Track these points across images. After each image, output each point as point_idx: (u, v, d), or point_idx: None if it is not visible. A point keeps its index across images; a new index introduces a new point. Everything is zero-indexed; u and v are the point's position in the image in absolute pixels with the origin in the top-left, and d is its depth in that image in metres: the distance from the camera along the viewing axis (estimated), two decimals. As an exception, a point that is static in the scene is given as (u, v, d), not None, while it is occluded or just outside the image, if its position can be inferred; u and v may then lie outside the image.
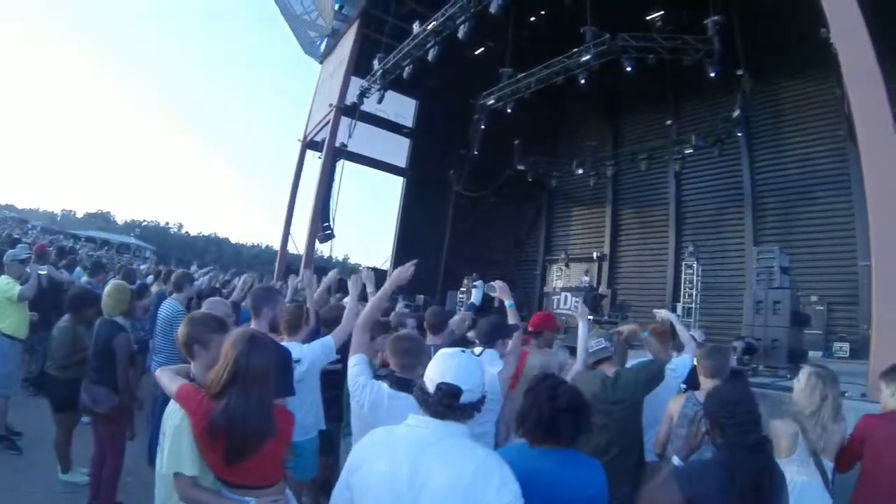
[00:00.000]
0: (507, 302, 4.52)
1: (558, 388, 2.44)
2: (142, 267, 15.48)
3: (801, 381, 3.67)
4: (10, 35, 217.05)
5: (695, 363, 4.24)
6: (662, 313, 5.36)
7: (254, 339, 2.51)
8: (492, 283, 4.78)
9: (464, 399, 2.03)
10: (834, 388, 3.57)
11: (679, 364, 4.47)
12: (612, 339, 4.21)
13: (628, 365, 4.49)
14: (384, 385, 3.04)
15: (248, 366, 2.40)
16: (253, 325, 3.91)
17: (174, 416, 2.43)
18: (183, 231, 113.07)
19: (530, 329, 5.30)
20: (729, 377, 3.99)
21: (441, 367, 2.09)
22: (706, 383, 3.89)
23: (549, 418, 2.35)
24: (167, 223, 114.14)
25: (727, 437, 2.58)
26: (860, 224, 13.99)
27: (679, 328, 4.97)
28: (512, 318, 4.32)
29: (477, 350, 3.89)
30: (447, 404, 2.02)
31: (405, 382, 3.04)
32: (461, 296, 19.02)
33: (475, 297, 17.75)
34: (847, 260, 14.85)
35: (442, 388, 2.03)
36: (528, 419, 2.39)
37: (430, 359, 2.23)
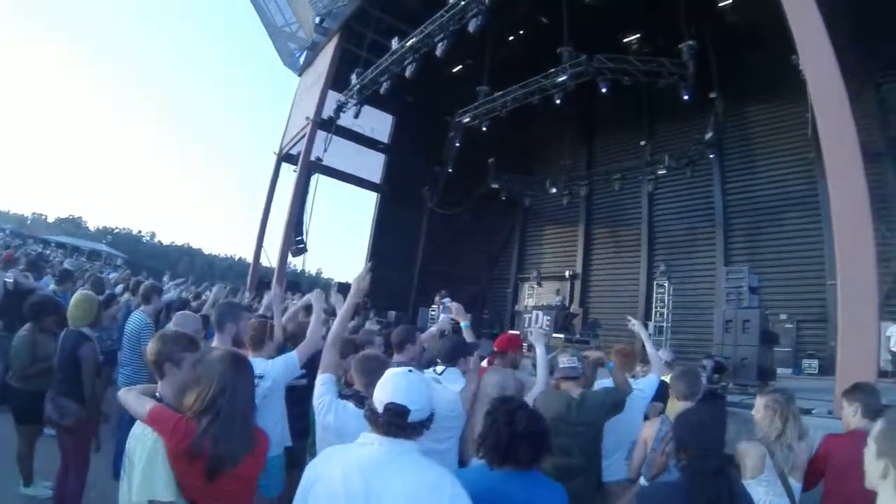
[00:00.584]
0: (463, 323, 4.54)
1: (517, 411, 2.44)
2: (112, 276, 15.23)
3: (759, 409, 3.73)
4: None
5: (667, 382, 4.28)
6: (634, 324, 5.42)
7: (238, 360, 2.54)
8: (448, 304, 4.78)
9: (412, 418, 2.05)
10: (793, 408, 3.64)
11: (646, 384, 4.54)
12: (583, 360, 4.23)
13: (595, 388, 4.54)
14: (349, 405, 3.02)
15: (234, 386, 2.40)
16: (216, 340, 3.93)
17: (145, 440, 2.36)
18: (155, 240, 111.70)
19: (495, 349, 5.23)
20: (705, 398, 4.03)
21: (389, 387, 2.12)
22: (678, 405, 3.90)
23: (507, 442, 2.35)
24: (140, 231, 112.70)
25: (690, 461, 2.59)
26: (828, 244, 14.19)
27: (647, 344, 5.01)
28: (468, 339, 4.34)
29: (439, 369, 3.97)
30: (396, 423, 2.05)
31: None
32: (433, 313, 18.92)
33: (444, 317, 17.52)
34: (816, 279, 15.15)
35: (390, 408, 2.05)
36: (487, 442, 2.39)
37: None
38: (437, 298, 19.02)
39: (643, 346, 5.12)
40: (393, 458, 2.03)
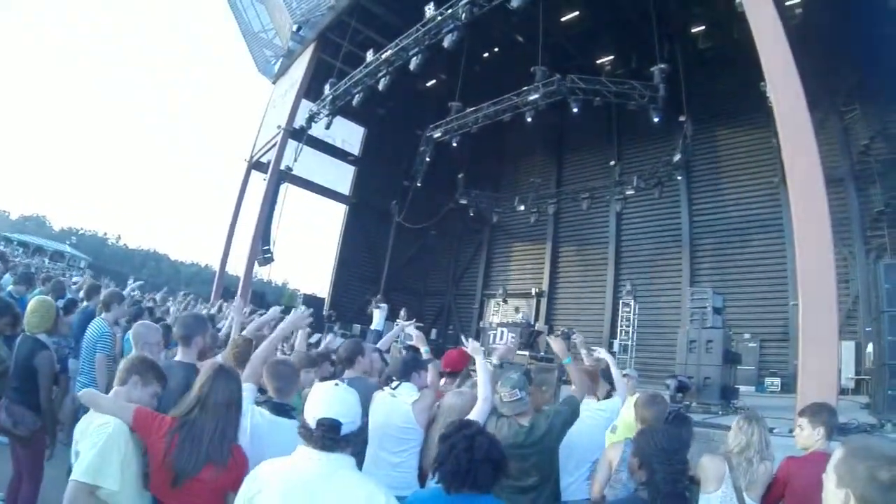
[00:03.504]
0: (423, 348, 4.70)
1: (476, 437, 2.46)
2: (75, 279, 14.92)
3: (733, 425, 3.81)
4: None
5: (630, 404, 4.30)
6: (601, 353, 5.46)
7: (222, 372, 2.60)
8: (408, 331, 4.80)
9: (344, 430, 2.10)
10: (760, 426, 3.69)
11: (610, 406, 4.61)
12: (527, 388, 3.90)
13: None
14: (264, 411, 3.09)
15: (214, 394, 2.47)
16: (180, 354, 3.86)
17: (105, 427, 2.39)
18: (121, 243, 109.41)
19: (447, 370, 5.10)
20: (671, 420, 4.02)
21: (318, 403, 2.16)
22: (639, 427, 3.87)
23: (466, 468, 2.36)
24: (105, 234, 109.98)
25: (656, 483, 2.66)
26: (791, 265, 14.50)
27: (614, 371, 5.04)
28: (430, 366, 4.43)
29: (394, 384, 4.08)
30: (330, 438, 2.09)
31: (282, 407, 3.14)
32: (370, 310, 18.65)
33: (378, 321, 17.57)
34: (779, 299, 15.48)
35: (323, 423, 2.09)
36: (445, 468, 2.41)
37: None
38: (372, 301, 18.81)
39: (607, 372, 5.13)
40: (331, 473, 2.08)
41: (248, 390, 3.10)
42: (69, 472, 5.27)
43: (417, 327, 6.69)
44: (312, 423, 2.10)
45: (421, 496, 2.58)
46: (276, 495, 2.05)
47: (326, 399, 2.15)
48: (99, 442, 2.34)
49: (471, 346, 4.50)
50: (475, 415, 3.68)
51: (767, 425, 3.83)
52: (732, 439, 3.69)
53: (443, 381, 5.04)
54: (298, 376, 3.52)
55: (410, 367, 4.27)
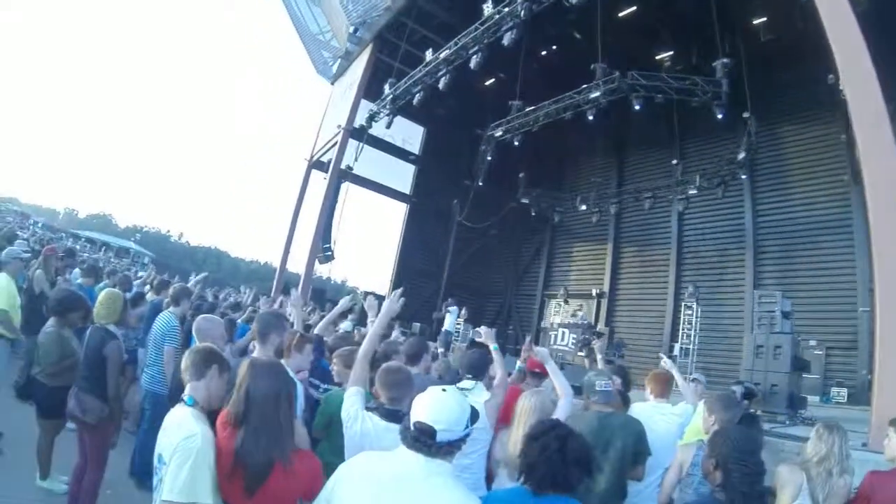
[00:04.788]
0: (493, 346, 4.46)
1: (567, 439, 2.40)
2: (141, 274, 15.33)
3: (812, 433, 3.67)
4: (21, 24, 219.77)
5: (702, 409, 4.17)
6: (667, 362, 5.37)
7: (257, 365, 2.56)
8: (477, 329, 4.74)
9: (440, 438, 2.04)
10: (841, 436, 3.54)
11: (684, 411, 4.51)
12: (612, 379, 4.15)
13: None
14: (375, 416, 3.05)
15: (255, 389, 2.42)
16: (258, 350, 3.90)
17: (193, 440, 2.35)
18: (183, 240, 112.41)
19: (536, 371, 5.21)
20: (742, 421, 3.90)
21: (419, 406, 2.12)
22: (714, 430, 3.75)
23: (557, 470, 2.31)
24: (168, 231, 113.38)
25: (733, 484, 2.56)
26: (861, 269, 14.06)
27: (679, 380, 4.97)
28: (498, 362, 4.30)
29: (465, 384, 3.99)
30: (422, 442, 2.05)
31: (394, 414, 3.05)
32: (437, 315, 18.68)
33: (449, 322, 17.59)
34: (847, 305, 14.79)
35: (417, 426, 2.06)
36: (537, 470, 2.34)
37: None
38: (443, 306, 18.84)
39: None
40: (426, 477, 2.04)
41: (355, 395, 3.15)
42: (132, 461, 5.43)
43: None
44: (411, 425, 2.09)
45: (504, 496, 2.56)
46: (365, 488, 2.05)
47: (428, 404, 2.11)
48: (190, 457, 2.30)
49: (541, 352, 4.56)
50: (560, 413, 3.71)
51: (848, 436, 3.64)
52: (811, 448, 3.56)
53: (526, 380, 5.19)
54: (412, 382, 3.39)
55: (481, 364, 4.21)
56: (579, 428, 3.30)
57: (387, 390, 3.23)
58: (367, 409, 3.14)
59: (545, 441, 2.39)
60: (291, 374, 3.58)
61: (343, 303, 5.63)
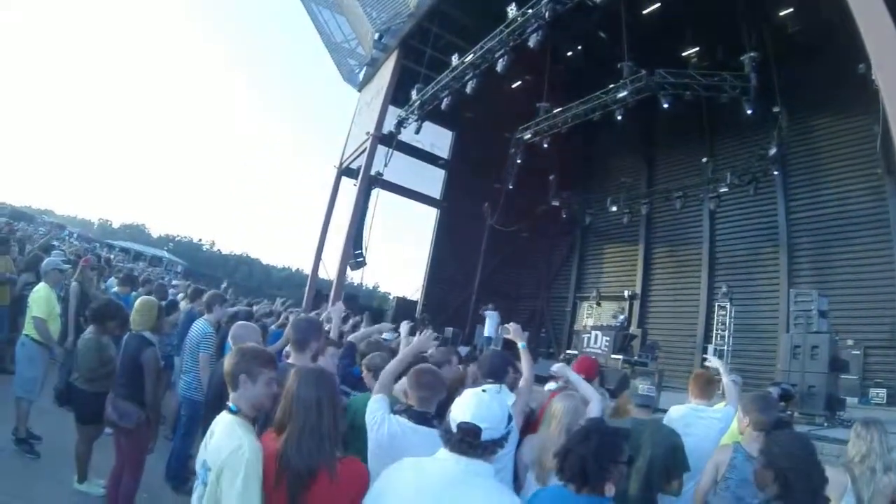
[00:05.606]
0: (520, 343, 4.38)
1: (609, 439, 2.44)
2: (175, 283, 15.60)
3: (851, 433, 3.63)
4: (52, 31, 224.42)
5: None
6: (713, 360, 5.32)
7: (306, 374, 2.55)
8: (505, 325, 4.70)
9: (484, 437, 2.08)
10: (879, 430, 3.51)
11: (725, 414, 4.39)
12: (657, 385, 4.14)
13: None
14: (402, 418, 3.06)
15: (299, 401, 2.42)
16: (293, 357, 3.90)
17: (241, 452, 2.32)
18: (215, 249, 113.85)
19: (582, 376, 5.16)
20: (777, 426, 3.80)
21: (462, 407, 2.15)
22: (751, 434, 3.72)
23: (598, 469, 2.34)
24: (199, 240, 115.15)
25: (796, 497, 2.51)
26: (900, 263, 13.72)
27: (725, 378, 4.86)
28: (525, 360, 4.21)
29: (486, 388, 3.90)
30: (468, 442, 2.07)
31: (423, 415, 3.10)
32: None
33: (489, 328, 17.55)
34: (885, 302, 14.42)
35: (463, 427, 2.09)
36: (578, 468, 2.37)
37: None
38: (482, 310, 18.81)
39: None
40: (468, 479, 2.07)
41: (379, 401, 3.16)
42: (168, 466, 5.53)
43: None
44: (454, 427, 2.11)
45: (546, 495, 2.58)
46: (408, 491, 2.09)
47: (471, 404, 2.14)
48: (240, 470, 2.28)
49: (559, 370, 4.63)
50: (593, 412, 3.75)
51: (887, 429, 3.59)
52: (851, 447, 3.53)
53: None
54: (444, 385, 3.42)
55: (501, 367, 4.15)
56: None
57: (417, 391, 3.25)
58: (395, 412, 3.15)
59: (588, 441, 2.42)
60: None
61: (383, 327, 5.65)
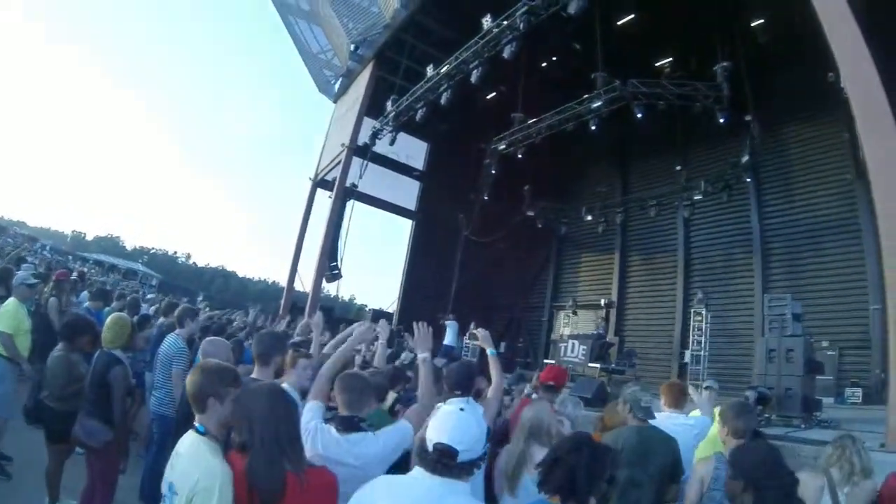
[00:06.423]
0: (490, 350, 4.36)
1: (593, 452, 2.39)
2: (149, 296, 15.41)
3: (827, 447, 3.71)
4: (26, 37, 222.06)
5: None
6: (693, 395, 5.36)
7: (250, 392, 2.53)
8: (474, 331, 4.68)
9: (461, 458, 2.04)
10: (852, 439, 3.59)
11: (699, 423, 4.50)
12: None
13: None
14: (332, 430, 2.96)
15: (252, 419, 2.37)
16: (257, 372, 3.88)
17: (212, 477, 2.27)
18: (190, 261, 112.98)
19: (550, 383, 5.22)
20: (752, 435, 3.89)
21: (438, 427, 2.11)
22: (731, 442, 3.76)
23: (584, 482, 2.29)
24: (175, 252, 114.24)
25: (766, 499, 2.52)
26: (870, 266, 13.95)
27: (692, 392, 4.96)
28: (493, 367, 4.19)
29: (456, 402, 3.85)
30: (444, 463, 2.04)
31: (350, 420, 3.02)
32: (467, 342, 18.66)
33: (449, 337, 17.51)
34: (857, 303, 14.63)
35: (439, 447, 2.05)
36: (577, 482, 2.30)
37: None
38: (441, 320, 18.68)
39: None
40: (443, 498, 2.03)
41: (313, 409, 3.09)
42: (142, 485, 5.41)
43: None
44: (430, 446, 2.08)
45: None
46: None
47: (447, 424, 2.10)
48: (213, 496, 2.22)
49: (482, 335, 4.61)
50: (490, 407, 3.89)
51: (861, 440, 3.65)
52: (826, 455, 3.59)
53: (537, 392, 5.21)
54: (371, 389, 3.35)
55: (467, 378, 4.08)
56: (617, 443, 3.31)
57: (342, 393, 3.16)
58: (325, 420, 3.08)
59: (573, 455, 2.37)
60: (293, 392, 3.55)
61: (356, 328, 5.54)
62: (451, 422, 2.10)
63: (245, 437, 2.35)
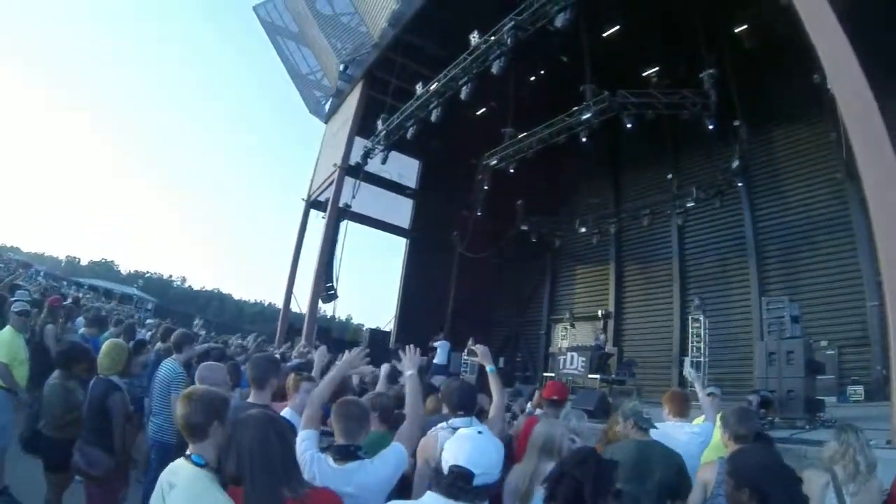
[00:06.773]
0: (489, 367, 4.33)
1: (601, 468, 2.36)
2: (148, 321, 15.35)
3: (829, 438, 3.68)
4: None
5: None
6: (690, 372, 5.35)
7: (240, 422, 2.48)
8: (473, 347, 4.67)
9: (477, 482, 2.05)
10: (857, 431, 3.55)
11: (704, 429, 4.47)
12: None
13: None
14: (328, 460, 2.92)
15: (242, 448, 2.34)
16: (254, 396, 3.86)
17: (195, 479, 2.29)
18: (186, 285, 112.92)
19: (554, 398, 5.22)
20: (757, 440, 3.89)
21: (455, 450, 2.11)
22: (732, 447, 3.72)
23: (604, 498, 2.26)
24: (170, 276, 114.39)
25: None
26: (865, 264, 14.00)
27: (699, 392, 4.93)
28: (494, 385, 4.17)
29: (463, 422, 3.74)
30: (459, 487, 2.04)
31: (346, 449, 2.97)
32: (465, 358, 18.60)
33: (440, 356, 17.54)
34: (854, 301, 14.64)
35: (454, 470, 2.06)
36: (584, 495, 2.26)
37: None
38: (431, 342, 18.68)
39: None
40: None
41: (308, 438, 3.02)
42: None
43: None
44: (445, 469, 2.08)
45: None
46: None
47: (465, 447, 2.10)
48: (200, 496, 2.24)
49: (480, 351, 4.54)
50: (494, 424, 3.84)
51: (862, 429, 3.64)
52: (828, 449, 3.56)
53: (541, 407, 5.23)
54: (368, 416, 3.30)
55: (470, 397, 3.98)
56: (617, 457, 3.29)
57: (340, 421, 3.10)
58: (321, 449, 3.03)
59: (579, 470, 2.34)
60: (296, 416, 3.53)
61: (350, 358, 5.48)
62: (469, 445, 2.10)
63: (238, 468, 2.31)
